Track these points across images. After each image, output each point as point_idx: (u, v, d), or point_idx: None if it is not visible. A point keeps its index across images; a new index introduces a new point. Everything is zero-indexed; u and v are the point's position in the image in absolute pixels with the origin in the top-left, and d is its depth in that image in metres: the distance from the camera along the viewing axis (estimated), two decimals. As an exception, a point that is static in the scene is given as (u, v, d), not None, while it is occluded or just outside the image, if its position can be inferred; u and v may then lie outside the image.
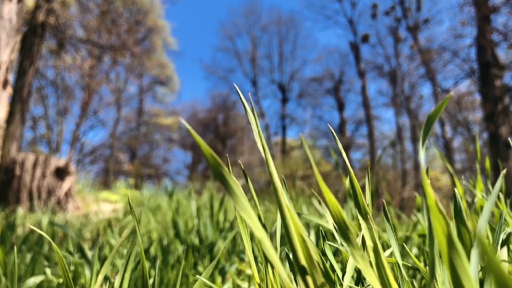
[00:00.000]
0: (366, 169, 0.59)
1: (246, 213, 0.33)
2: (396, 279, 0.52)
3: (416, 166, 18.20)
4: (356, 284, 0.54)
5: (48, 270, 1.30)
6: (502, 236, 0.57)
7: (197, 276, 0.59)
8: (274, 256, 0.33)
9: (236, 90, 0.48)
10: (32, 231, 1.82)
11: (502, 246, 0.57)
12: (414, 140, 18.78)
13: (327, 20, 23.91)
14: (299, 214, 0.96)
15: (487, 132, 9.68)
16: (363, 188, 0.61)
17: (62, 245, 1.75)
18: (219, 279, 1.31)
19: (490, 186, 1.12)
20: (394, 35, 20.36)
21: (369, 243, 0.41)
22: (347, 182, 1.23)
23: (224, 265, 1.41)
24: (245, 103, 0.46)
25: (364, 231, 0.42)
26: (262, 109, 25.28)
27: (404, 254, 1.23)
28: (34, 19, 7.30)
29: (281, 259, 1.03)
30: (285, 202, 0.38)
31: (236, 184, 0.34)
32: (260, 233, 0.33)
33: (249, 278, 1.37)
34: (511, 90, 9.43)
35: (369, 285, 0.51)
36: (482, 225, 0.44)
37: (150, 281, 1.06)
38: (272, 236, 1.57)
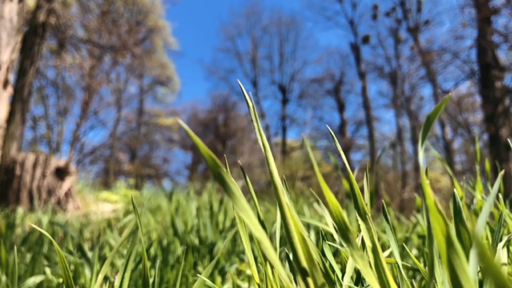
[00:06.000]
0: (365, 170, 0.59)
1: (245, 214, 0.33)
2: (395, 279, 0.52)
3: (417, 167, 18.19)
4: (356, 284, 0.54)
5: (48, 270, 1.30)
6: (504, 238, 0.57)
7: (198, 275, 0.59)
8: (273, 255, 0.33)
9: (240, 86, 0.49)
10: (32, 231, 1.83)
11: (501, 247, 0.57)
12: (415, 141, 18.77)
13: (327, 21, 23.92)
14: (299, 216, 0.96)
15: (487, 133, 9.68)
16: (362, 190, 0.61)
17: (62, 245, 1.75)
18: (219, 279, 1.31)
19: (490, 188, 1.12)
20: (395, 36, 20.37)
21: (368, 244, 0.41)
22: (346, 183, 1.24)
23: (224, 265, 1.41)
24: (248, 99, 0.46)
25: (363, 231, 0.42)
26: (263, 110, 25.29)
27: (403, 255, 1.23)
28: (35, 19, 7.30)
29: (281, 260, 1.03)
30: (285, 200, 0.38)
31: (235, 184, 0.34)
32: (259, 233, 0.33)
33: (249, 278, 1.37)
34: (511, 92, 9.43)
35: (368, 285, 0.51)
36: (480, 225, 0.44)
37: (150, 281, 1.06)
38: (272, 237, 1.58)
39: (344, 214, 0.39)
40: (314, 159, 0.40)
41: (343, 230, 0.39)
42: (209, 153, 0.32)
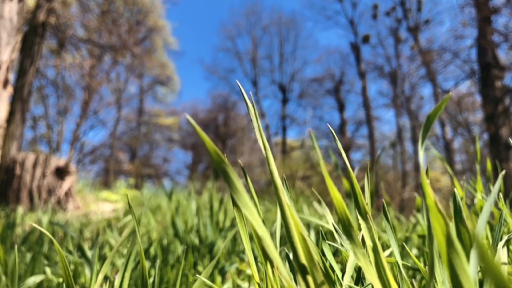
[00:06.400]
0: (365, 170, 0.59)
1: (248, 210, 0.33)
2: (395, 278, 0.52)
3: (417, 167, 18.19)
4: (356, 284, 0.54)
5: (48, 270, 1.30)
6: (505, 238, 0.57)
7: (197, 275, 0.59)
8: (275, 253, 0.33)
9: (239, 86, 0.49)
10: (32, 231, 1.83)
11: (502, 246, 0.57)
12: (415, 141, 18.77)
13: (328, 21, 23.93)
14: (299, 214, 0.96)
15: (487, 133, 9.68)
16: (362, 189, 0.61)
17: (62, 245, 1.76)
18: (219, 278, 1.31)
19: (491, 187, 1.12)
20: (395, 35, 20.35)
21: (368, 243, 0.41)
22: (346, 182, 1.23)
23: (224, 264, 1.41)
24: (247, 99, 0.46)
25: (364, 231, 0.42)
26: (263, 110, 25.29)
27: (404, 254, 1.23)
28: (34, 19, 7.30)
29: (281, 259, 1.03)
30: (285, 200, 0.38)
31: (238, 180, 0.34)
32: (262, 230, 0.33)
33: (249, 278, 1.37)
34: (511, 91, 9.43)
35: (368, 284, 0.51)
36: (481, 225, 0.44)
37: (150, 281, 1.06)
38: (271, 236, 1.57)
39: (348, 211, 0.39)
40: (320, 154, 0.40)
41: (346, 227, 0.39)
42: (214, 149, 0.32)
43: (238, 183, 0.34)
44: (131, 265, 0.62)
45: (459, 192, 0.89)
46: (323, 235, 0.59)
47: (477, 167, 1.14)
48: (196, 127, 0.31)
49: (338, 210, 0.39)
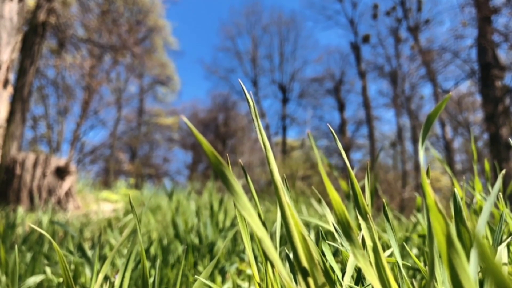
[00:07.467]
0: (365, 170, 0.59)
1: (247, 212, 0.33)
2: (396, 278, 0.52)
3: (417, 166, 18.19)
4: (356, 284, 0.54)
5: (48, 269, 1.30)
6: (504, 238, 0.57)
7: (197, 275, 0.59)
8: (274, 254, 0.33)
9: (240, 85, 0.48)
10: (32, 231, 1.83)
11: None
12: (415, 141, 18.76)
13: (328, 21, 23.92)
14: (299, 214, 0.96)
15: (487, 133, 9.68)
16: (362, 189, 0.61)
17: (62, 245, 1.76)
18: (219, 278, 1.31)
19: (489, 187, 1.12)
20: (395, 35, 20.35)
21: (368, 243, 0.41)
22: (344, 182, 1.23)
23: (224, 264, 1.41)
24: (249, 98, 0.46)
25: (364, 230, 0.42)
26: (263, 109, 25.30)
27: (404, 254, 1.23)
28: (35, 19, 7.30)
29: (281, 259, 1.03)
30: (285, 199, 0.38)
31: (237, 182, 0.34)
32: (261, 232, 0.33)
33: (249, 278, 1.37)
34: (511, 91, 9.42)
35: (369, 284, 0.51)
36: (481, 225, 0.44)
37: (150, 280, 1.06)
38: (272, 236, 1.57)
39: (347, 212, 0.39)
40: (318, 156, 0.40)
41: (345, 228, 0.39)
42: (212, 151, 0.32)
43: (236, 184, 0.34)
44: (131, 265, 0.62)
45: (459, 192, 0.89)
46: (323, 235, 0.59)
47: (475, 167, 1.14)
48: (193, 129, 0.31)
49: (337, 211, 0.39)
